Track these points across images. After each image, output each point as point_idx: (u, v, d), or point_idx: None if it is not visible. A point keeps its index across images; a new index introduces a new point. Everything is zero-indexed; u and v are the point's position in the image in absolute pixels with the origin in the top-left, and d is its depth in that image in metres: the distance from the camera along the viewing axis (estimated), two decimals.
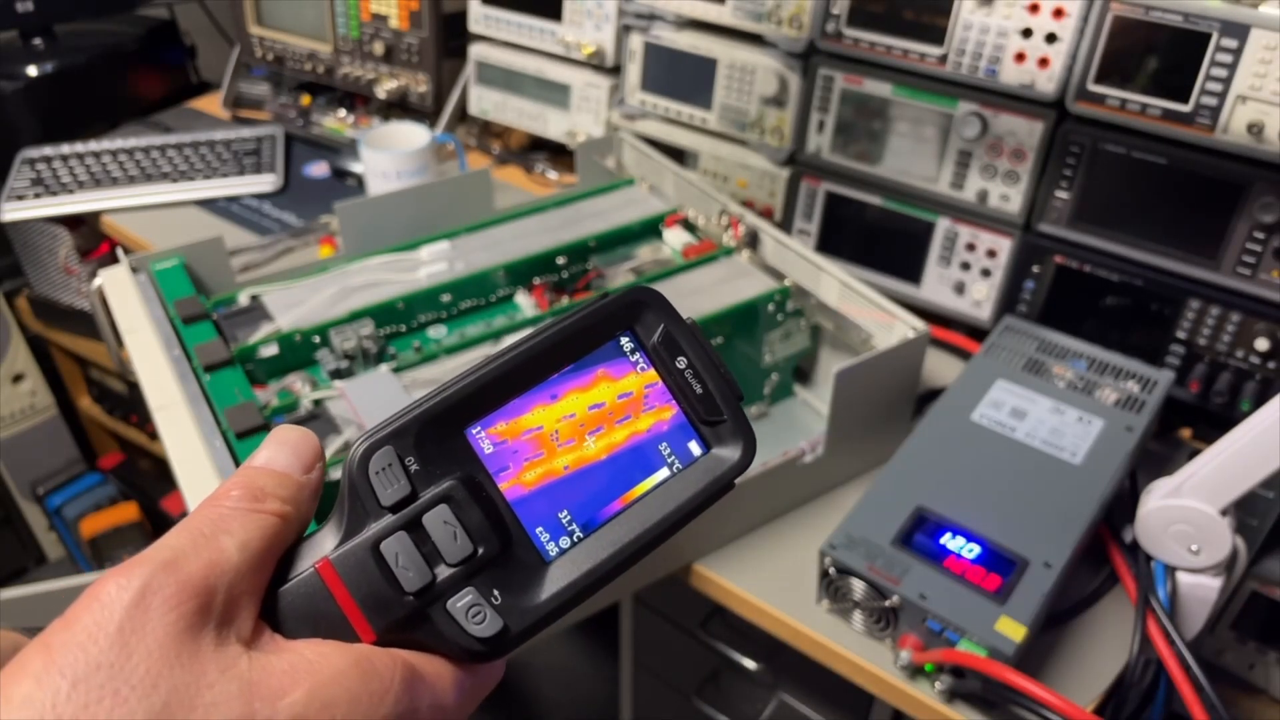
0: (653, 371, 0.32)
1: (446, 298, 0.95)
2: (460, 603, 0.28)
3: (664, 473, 0.31)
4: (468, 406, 0.30)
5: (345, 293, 0.94)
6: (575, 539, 0.30)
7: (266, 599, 0.28)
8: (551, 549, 0.30)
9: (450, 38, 1.40)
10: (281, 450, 0.30)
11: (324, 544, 0.29)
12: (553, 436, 0.30)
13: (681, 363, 0.32)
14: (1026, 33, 0.90)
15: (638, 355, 0.32)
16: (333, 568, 0.28)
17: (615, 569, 0.30)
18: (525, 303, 0.98)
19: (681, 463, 0.32)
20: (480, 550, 0.29)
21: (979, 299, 1.03)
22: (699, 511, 0.31)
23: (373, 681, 0.26)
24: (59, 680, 0.23)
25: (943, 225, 1.03)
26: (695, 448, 0.32)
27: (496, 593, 0.29)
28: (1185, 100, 0.84)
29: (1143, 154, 0.89)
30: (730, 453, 0.32)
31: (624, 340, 0.32)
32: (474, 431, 0.30)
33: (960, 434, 0.84)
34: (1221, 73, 0.81)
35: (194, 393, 0.81)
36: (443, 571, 0.28)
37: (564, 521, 0.30)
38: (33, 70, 1.49)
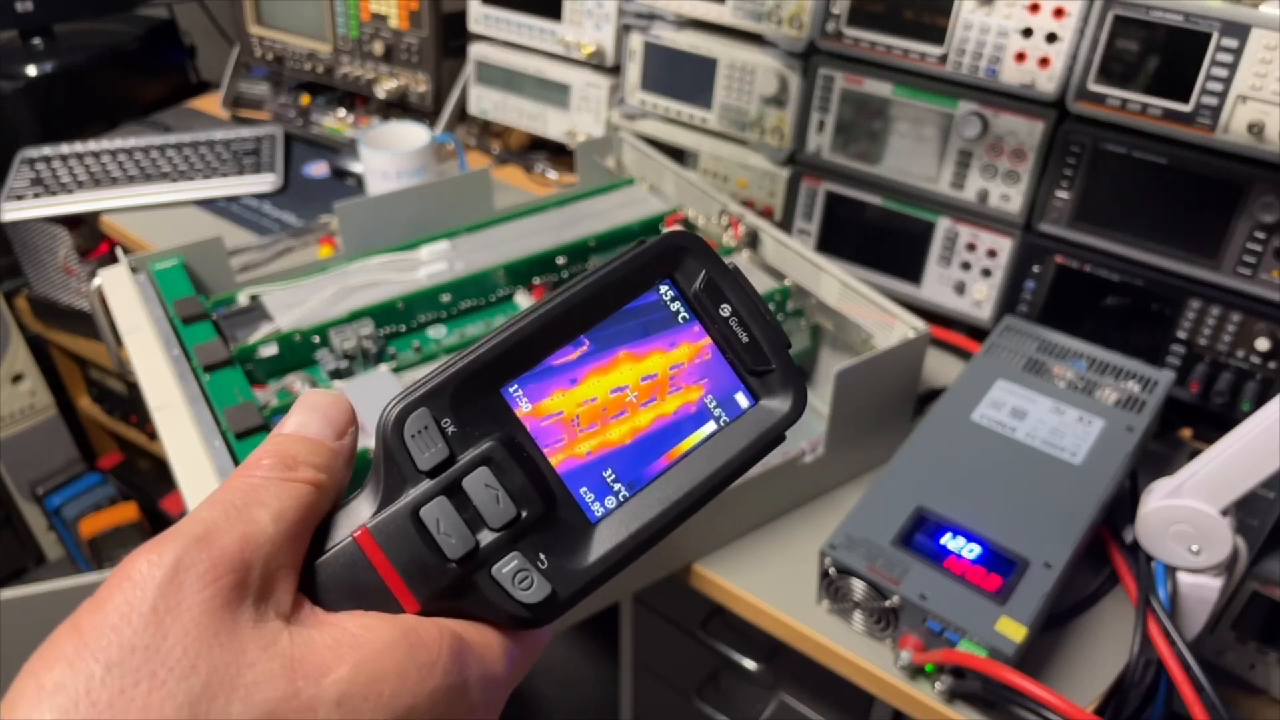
0: (695, 322, 0.30)
1: (446, 298, 0.95)
2: (506, 568, 0.27)
3: (711, 426, 0.30)
4: (504, 363, 0.28)
5: (345, 293, 0.94)
6: (621, 498, 0.29)
7: (304, 571, 0.27)
8: (597, 509, 0.29)
9: (450, 37, 1.40)
10: (312, 416, 0.29)
11: (361, 512, 0.28)
12: (596, 405, 0.29)
13: (725, 310, 0.30)
14: (1027, 32, 0.90)
15: (678, 304, 0.30)
16: (371, 537, 0.27)
17: (664, 528, 0.29)
18: (525, 303, 0.98)
19: (729, 416, 0.30)
20: (524, 513, 0.27)
21: (979, 299, 1.03)
22: (748, 466, 0.30)
23: (420, 653, 0.25)
24: (92, 664, 0.22)
25: (943, 225, 1.03)
26: (742, 399, 0.30)
27: (543, 556, 0.28)
28: (1186, 100, 0.84)
29: (1143, 154, 0.89)
30: (780, 404, 0.30)
31: (663, 289, 0.30)
32: (510, 390, 0.28)
33: (960, 434, 0.84)
34: (1222, 72, 0.81)
35: (193, 393, 0.81)
36: (486, 537, 0.27)
37: (609, 480, 0.29)
38: (33, 70, 1.49)
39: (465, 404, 0.28)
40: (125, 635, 0.22)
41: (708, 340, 0.30)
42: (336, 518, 0.28)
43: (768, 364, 0.30)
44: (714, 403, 0.30)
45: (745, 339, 0.30)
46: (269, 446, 0.28)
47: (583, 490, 0.29)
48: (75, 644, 0.22)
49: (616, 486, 0.29)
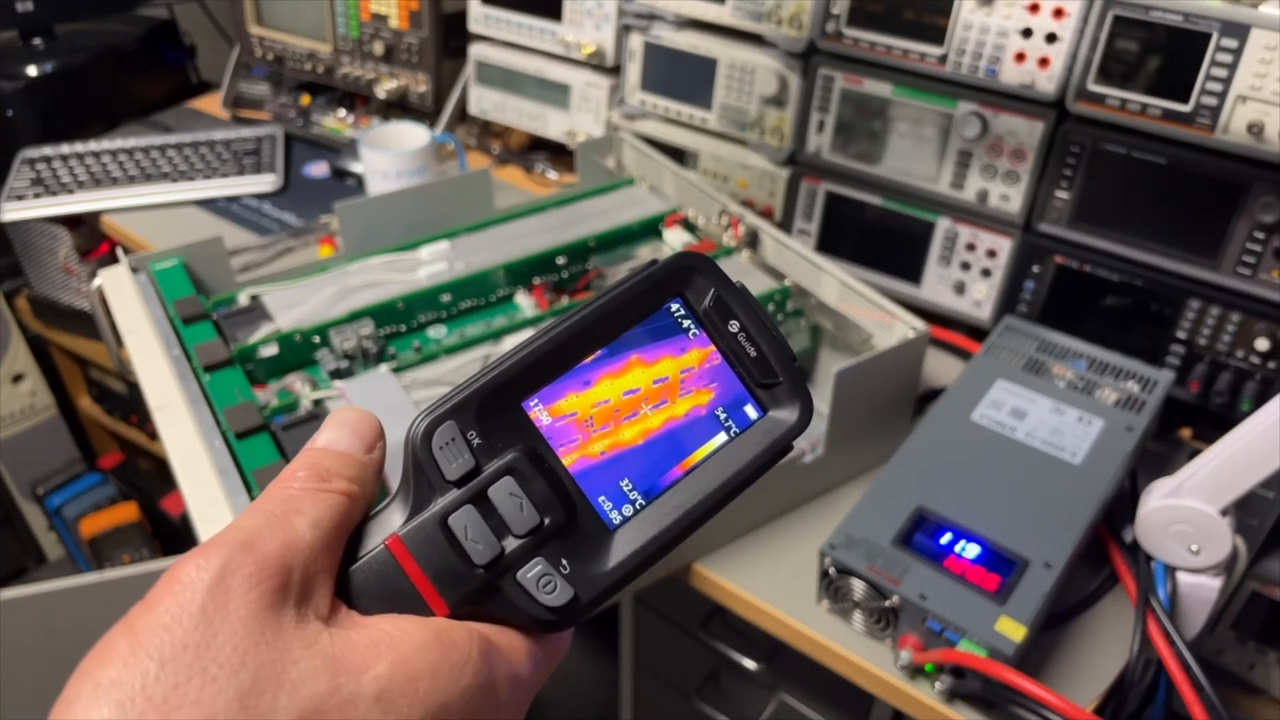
0: (705, 337, 0.32)
1: (446, 298, 0.95)
2: (530, 573, 0.29)
3: (722, 437, 0.31)
4: (525, 379, 0.30)
5: (345, 293, 0.94)
6: (638, 506, 0.30)
7: (339, 577, 0.28)
8: (615, 517, 0.30)
9: (450, 38, 1.40)
10: (342, 431, 0.30)
11: (392, 521, 0.29)
12: (609, 407, 0.31)
13: (734, 326, 0.32)
14: (1026, 32, 0.90)
15: (689, 322, 0.32)
16: (402, 544, 0.28)
17: (679, 535, 0.30)
18: (525, 303, 0.98)
19: (739, 427, 0.32)
20: (546, 520, 0.29)
21: (979, 299, 1.03)
22: (759, 475, 0.31)
23: (452, 653, 0.27)
24: (147, 661, 0.23)
25: (943, 225, 1.03)
26: (751, 411, 0.32)
27: (565, 562, 0.29)
28: (1185, 100, 0.84)
29: (1143, 154, 0.89)
30: (787, 414, 0.32)
31: (674, 307, 0.32)
32: (531, 404, 0.30)
33: (960, 434, 0.84)
34: (1221, 73, 0.81)
35: (194, 393, 0.81)
36: (511, 543, 0.29)
37: (625, 490, 0.30)
38: (33, 70, 1.49)
39: (489, 417, 0.29)
40: (177, 634, 0.24)
41: (714, 350, 0.32)
42: (368, 526, 0.29)
43: (775, 377, 0.32)
44: (724, 414, 0.32)
45: (753, 353, 0.32)
46: (303, 460, 0.29)
47: (601, 499, 0.30)
48: (129, 643, 0.24)
49: (633, 495, 0.30)
